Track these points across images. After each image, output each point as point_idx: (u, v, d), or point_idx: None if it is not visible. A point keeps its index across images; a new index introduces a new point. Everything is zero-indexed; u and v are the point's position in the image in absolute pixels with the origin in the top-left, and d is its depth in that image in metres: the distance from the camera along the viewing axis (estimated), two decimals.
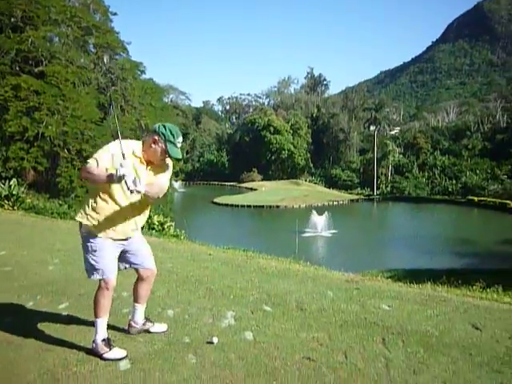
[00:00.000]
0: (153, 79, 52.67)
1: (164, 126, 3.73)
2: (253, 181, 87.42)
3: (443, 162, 78.98)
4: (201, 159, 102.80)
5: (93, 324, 3.89)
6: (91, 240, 3.74)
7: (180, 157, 3.76)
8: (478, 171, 71.90)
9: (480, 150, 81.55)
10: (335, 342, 4.15)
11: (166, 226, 15.16)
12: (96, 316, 3.80)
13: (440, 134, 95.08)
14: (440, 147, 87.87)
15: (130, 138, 3.91)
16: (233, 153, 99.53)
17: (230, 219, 55.10)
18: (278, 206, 62.11)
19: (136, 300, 4.16)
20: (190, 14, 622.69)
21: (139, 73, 43.60)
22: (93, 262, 3.76)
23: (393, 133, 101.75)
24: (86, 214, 3.71)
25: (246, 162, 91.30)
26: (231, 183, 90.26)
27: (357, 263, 25.22)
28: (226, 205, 63.34)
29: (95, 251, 3.75)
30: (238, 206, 62.27)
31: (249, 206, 61.65)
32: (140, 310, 4.18)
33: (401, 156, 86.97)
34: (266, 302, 5.18)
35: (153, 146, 3.70)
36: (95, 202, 3.70)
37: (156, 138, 3.67)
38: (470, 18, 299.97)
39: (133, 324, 4.18)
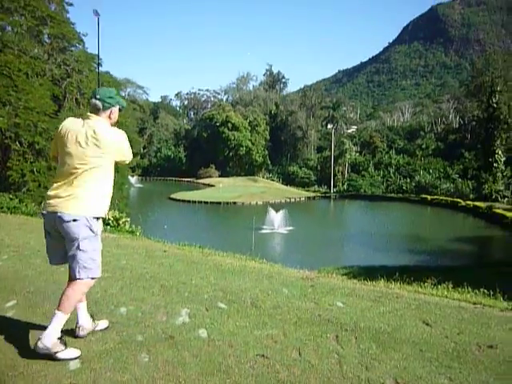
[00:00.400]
0: (110, 72, 51.89)
1: (105, 97, 3.74)
2: (210, 177, 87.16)
3: (398, 161, 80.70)
4: (158, 154, 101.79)
5: (41, 322, 3.77)
6: (95, 232, 3.61)
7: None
8: (431, 170, 73.80)
9: (433, 149, 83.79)
10: (289, 340, 4.16)
11: (121, 222, 14.94)
12: (64, 311, 3.58)
13: (395, 134, 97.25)
14: (395, 146, 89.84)
15: None
16: (190, 148, 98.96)
17: (186, 215, 54.72)
18: (235, 203, 62.08)
19: None
20: (150, 7, 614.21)
21: (95, 65, 42.75)
22: (97, 258, 3.65)
23: (350, 131, 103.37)
24: (93, 205, 3.59)
25: (204, 158, 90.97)
26: (188, 179, 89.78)
27: (313, 260, 25.50)
28: (183, 201, 62.91)
29: (97, 245, 3.66)
30: (194, 202, 61.92)
31: (206, 203, 61.39)
32: (84, 309, 4.01)
33: (357, 154, 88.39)
34: (221, 300, 5.15)
35: (112, 116, 3.79)
36: (99, 186, 3.62)
37: (112, 109, 3.77)
38: (424, 21, 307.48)
39: (81, 326, 3.99)
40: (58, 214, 3.52)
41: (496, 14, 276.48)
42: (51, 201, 3.59)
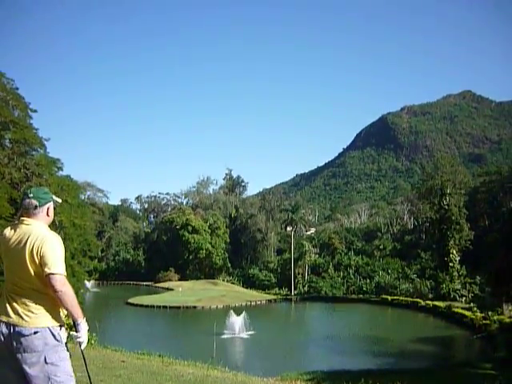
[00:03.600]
0: (70, 176, 52.10)
1: (44, 193, 3.68)
2: (170, 280, 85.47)
3: (357, 262, 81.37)
4: (116, 258, 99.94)
5: None
6: (63, 342, 3.45)
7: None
8: (389, 271, 74.50)
9: (390, 250, 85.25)
10: None
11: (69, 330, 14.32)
12: None
13: (353, 235, 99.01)
14: (354, 247, 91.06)
15: None
16: (150, 252, 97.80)
17: (144, 321, 52.88)
18: (194, 307, 60.56)
19: None
20: (109, 111, 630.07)
21: (56, 169, 43.02)
22: (69, 369, 3.47)
23: (309, 233, 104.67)
24: (52, 314, 3.42)
25: (163, 261, 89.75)
26: (147, 283, 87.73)
27: (276, 365, 24.81)
28: (141, 305, 60.96)
29: (65, 354, 3.47)
30: (153, 306, 60.07)
31: (165, 307, 59.64)
32: None
33: (317, 256, 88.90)
34: None
35: (50, 213, 3.68)
36: (48, 297, 3.42)
37: (48, 205, 3.66)
38: (376, 128, 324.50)
39: None
40: (16, 328, 3.34)
41: (440, 123, 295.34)
42: (5, 315, 3.40)
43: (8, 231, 3.60)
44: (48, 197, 3.67)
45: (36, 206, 3.58)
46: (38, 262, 3.35)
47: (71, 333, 3.51)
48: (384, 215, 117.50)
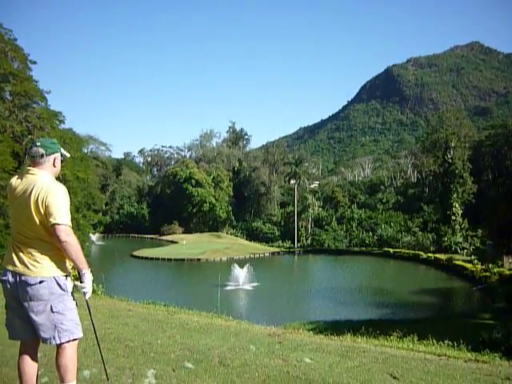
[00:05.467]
0: (72, 129, 51.84)
1: (52, 144, 3.66)
2: (174, 233, 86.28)
3: (360, 216, 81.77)
4: (120, 211, 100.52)
5: None
6: (69, 292, 3.48)
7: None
8: (392, 224, 74.95)
9: (393, 203, 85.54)
10: None
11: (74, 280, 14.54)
12: (71, 380, 3.49)
13: (357, 189, 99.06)
14: (357, 201, 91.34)
15: None
16: (153, 205, 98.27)
17: (149, 273, 53.68)
18: (198, 259, 61.36)
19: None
20: (112, 63, 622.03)
21: (58, 122, 42.74)
22: (75, 318, 3.52)
23: (312, 187, 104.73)
24: (58, 263, 3.44)
25: (167, 215, 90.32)
26: (151, 236, 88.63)
27: (278, 316, 25.28)
28: (146, 258, 61.81)
29: (71, 304, 3.51)
30: (158, 259, 60.91)
31: (169, 260, 60.47)
32: None
33: (320, 209, 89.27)
34: (188, 359, 5.06)
35: (56, 164, 3.65)
36: (54, 247, 3.42)
37: (55, 156, 3.63)
38: (381, 81, 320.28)
39: None
40: (23, 277, 3.36)
41: (446, 75, 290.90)
42: (11, 264, 3.44)
43: (14, 181, 3.59)
44: (55, 147, 3.64)
45: (42, 155, 3.54)
46: (43, 212, 3.35)
47: (76, 283, 3.54)
48: (388, 169, 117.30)
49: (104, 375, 4.16)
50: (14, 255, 3.46)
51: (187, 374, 4.61)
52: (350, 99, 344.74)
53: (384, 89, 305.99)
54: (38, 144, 3.58)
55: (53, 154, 3.61)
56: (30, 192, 3.40)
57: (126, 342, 5.64)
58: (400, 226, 73.75)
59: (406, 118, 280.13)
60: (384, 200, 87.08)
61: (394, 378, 4.72)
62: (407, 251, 63.42)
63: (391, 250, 65.18)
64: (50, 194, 3.37)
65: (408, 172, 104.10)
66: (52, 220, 3.33)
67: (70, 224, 3.42)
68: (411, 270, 54.95)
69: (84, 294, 3.56)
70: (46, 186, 3.41)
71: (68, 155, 3.81)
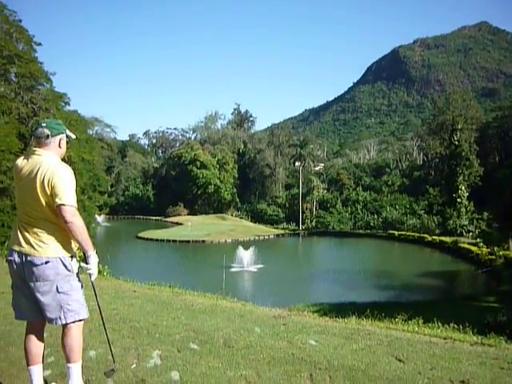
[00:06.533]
0: (77, 111, 51.74)
1: (57, 125, 3.63)
2: (179, 215, 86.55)
3: (365, 198, 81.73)
4: (126, 193, 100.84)
5: (7, 368, 3.62)
6: (74, 272, 3.48)
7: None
8: (397, 206, 74.91)
9: (399, 186, 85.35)
10: (263, 380, 4.11)
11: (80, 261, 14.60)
12: (76, 361, 3.51)
13: (362, 171, 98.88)
14: (362, 183, 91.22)
15: None
16: (159, 187, 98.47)
17: (155, 254, 54.00)
18: (203, 241, 61.61)
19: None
20: (117, 44, 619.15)
21: (63, 104, 42.69)
22: (81, 299, 3.53)
23: (317, 169, 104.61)
24: (63, 244, 3.43)
25: (172, 197, 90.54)
26: (157, 217, 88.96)
27: (283, 298, 25.39)
28: (151, 239, 62.12)
29: (76, 284, 3.51)
30: (163, 240, 61.21)
31: (174, 241, 60.75)
32: (39, 376, 3.63)
33: (325, 191, 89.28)
34: (193, 340, 5.07)
35: (62, 145, 3.63)
36: (60, 227, 3.41)
37: (61, 137, 3.61)
38: (387, 62, 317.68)
39: None
40: (28, 257, 3.36)
41: (454, 56, 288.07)
42: (17, 244, 3.44)
43: (20, 161, 3.57)
44: (61, 128, 3.62)
45: (48, 136, 3.52)
46: (49, 192, 3.34)
47: (81, 264, 3.53)
48: (393, 151, 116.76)
49: (110, 356, 4.17)
50: (20, 236, 3.45)
51: (192, 355, 4.62)
52: (355, 81, 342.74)
53: (390, 70, 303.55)
54: (44, 125, 3.55)
55: (58, 134, 3.59)
56: (36, 173, 3.38)
57: (131, 322, 5.66)
58: (405, 208, 73.69)
59: (413, 99, 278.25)
60: (389, 182, 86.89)
61: (400, 360, 4.71)
62: (412, 234, 63.41)
63: (396, 233, 65.19)
64: (55, 175, 3.35)
65: (414, 154, 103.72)
66: (58, 201, 3.31)
67: (76, 205, 3.40)
68: (416, 253, 54.98)
69: (89, 275, 3.56)
70: (51, 167, 3.40)
71: (73, 136, 3.77)
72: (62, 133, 3.62)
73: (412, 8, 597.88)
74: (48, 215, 3.40)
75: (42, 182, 3.34)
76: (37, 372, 3.54)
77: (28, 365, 3.54)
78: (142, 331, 5.34)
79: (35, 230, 3.41)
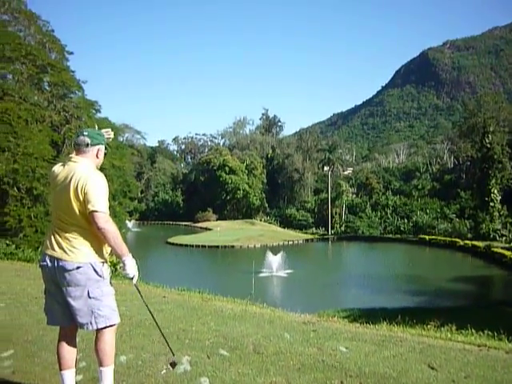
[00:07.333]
0: (108, 118, 52.49)
1: (98, 135, 3.70)
2: (208, 220, 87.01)
3: (395, 202, 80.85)
4: (155, 199, 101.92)
5: (40, 373, 3.67)
6: (105, 278, 3.49)
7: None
8: (428, 211, 73.84)
9: (429, 190, 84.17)
10: None
11: (118, 267, 14.78)
12: (109, 365, 3.53)
13: (391, 175, 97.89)
14: (391, 187, 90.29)
15: None
16: (188, 192, 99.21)
17: (184, 260, 54.35)
18: (232, 246, 61.79)
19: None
20: (148, 54, 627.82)
21: (94, 111, 43.42)
22: (112, 304, 3.53)
23: (346, 173, 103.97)
24: (95, 250, 3.45)
25: (201, 202, 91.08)
26: (186, 223, 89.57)
27: (312, 303, 25.24)
28: (181, 245, 62.57)
29: (108, 289, 3.52)
30: (192, 246, 61.59)
31: (203, 246, 61.08)
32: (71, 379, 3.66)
33: (354, 196, 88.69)
34: (223, 346, 5.07)
35: (99, 155, 3.68)
36: (92, 233, 3.43)
37: (99, 147, 3.66)
38: (416, 65, 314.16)
39: None
40: (60, 262, 3.40)
41: (485, 58, 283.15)
42: (50, 249, 3.47)
43: (57, 168, 3.64)
44: (101, 139, 3.69)
45: (88, 144, 3.58)
46: (82, 198, 3.37)
47: (121, 271, 3.55)
48: (423, 154, 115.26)
49: (168, 350, 4.17)
50: (53, 240, 3.49)
51: (222, 361, 4.62)
52: (384, 84, 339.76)
53: (419, 73, 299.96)
54: (85, 133, 3.62)
55: (97, 145, 3.65)
56: (70, 179, 3.43)
57: (161, 328, 5.67)
58: (436, 212, 72.61)
59: (442, 102, 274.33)
60: (419, 186, 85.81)
61: (432, 368, 4.62)
62: (443, 238, 62.37)
63: (427, 237, 64.22)
64: (89, 182, 3.39)
65: (444, 158, 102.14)
66: (90, 207, 3.34)
67: (108, 211, 3.44)
68: (448, 258, 54.05)
69: (131, 279, 3.55)
70: (85, 174, 3.44)
71: (107, 150, 3.83)
72: (102, 144, 3.69)
73: (441, 10, 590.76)
74: (80, 221, 3.42)
75: (76, 189, 3.38)
76: (69, 376, 3.57)
77: (60, 369, 3.56)
78: (172, 337, 5.36)
79: (67, 235, 3.44)
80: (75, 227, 3.44)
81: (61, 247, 3.43)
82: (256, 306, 7.97)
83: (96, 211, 3.33)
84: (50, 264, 3.45)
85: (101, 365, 3.52)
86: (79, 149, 3.59)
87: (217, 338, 5.35)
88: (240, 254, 56.77)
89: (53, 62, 38.04)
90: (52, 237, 3.52)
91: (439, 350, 5.20)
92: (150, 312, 3.84)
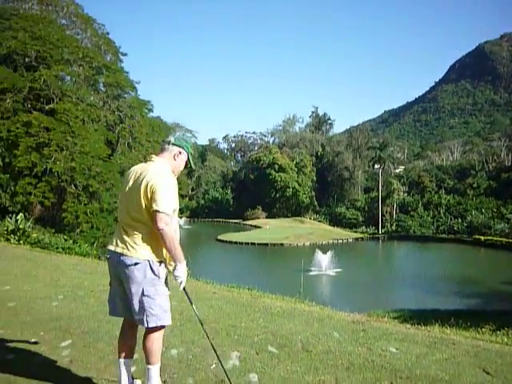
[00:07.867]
0: (160, 117, 53.55)
1: (184, 140, 3.79)
2: (257, 218, 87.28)
3: (448, 201, 78.81)
4: (206, 196, 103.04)
5: (96, 363, 3.79)
6: (159, 276, 3.54)
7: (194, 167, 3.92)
8: (483, 210, 71.59)
9: (485, 188, 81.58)
10: None
11: (169, 266, 15.03)
12: (155, 363, 3.60)
13: (444, 173, 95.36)
14: (445, 186, 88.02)
15: None
16: (237, 190, 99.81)
17: (234, 257, 54.77)
18: (282, 244, 61.78)
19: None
20: (198, 55, 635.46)
21: (147, 111, 44.39)
22: (163, 304, 3.54)
23: (397, 171, 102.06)
24: (154, 249, 3.52)
25: (251, 200, 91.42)
26: (235, 220, 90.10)
27: (362, 303, 24.95)
28: (230, 242, 63.07)
29: (162, 289, 3.57)
30: (242, 243, 61.95)
31: (253, 244, 61.34)
32: (126, 370, 3.74)
33: (405, 194, 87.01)
34: (272, 343, 5.10)
35: (177, 158, 3.74)
36: (155, 232, 3.46)
37: (180, 150, 3.73)
38: (471, 60, 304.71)
39: None
40: (121, 257, 3.49)
41: None
42: (114, 244, 3.58)
43: (137, 166, 3.75)
44: (185, 144, 3.76)
45: (169, 142, 3.70)
46: (149, 197, 3.44)
47: (172, 270, 3.60)
48: (478, 152, 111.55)
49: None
50: (118, 235, 3.60)
51: (270, 358, 4.65)
52: (437, 80, 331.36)
53: (475, 67, 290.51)
54: (175, 136, 3.79)
55: (179, 147, 3.73)
56: (144, 176, 3.51)
57: (211, 323, 5.76)
58: (492, 212, 70.29)
59: (500, 97, 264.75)
60: (474, 185, 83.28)
61: (487, 373, 4.49)
62: (500, 239, 60.30)
63: (482, 238, 62.25)
64: (158, 181, 3.46)
65: (501, 155, 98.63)
66: (154, 206, 3.40)
67: (172, 214, 3.49)
68: (504, 259, 52.22)
69: (179, 283, 3.60)
70: (157, 173, 3.52)
71: (194, 167, 3.92)
72: (183, 148, 3.75)
73: (497, 1, 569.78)
74: (146, 219, 3.49)
75: (146, 186, 3.45)
76: (126, 365, 3.67)
77: (119, 357, 3.67)
78: (222, 332, 5.43)
79: (132, 231, 3.52)
80: (141, 224, 3.52)
81: (124, 242, 3.52)
82: (305, 304, 7.95)
83: (158, 211, 3.39)
84: (113, 258, 3.57)
85: (148, 362, 3.59)
86: (162, 147, 3.73)
87: (265, 335, 5.39)
88: (289, 252, 56.71)
89: (108, 63, 39.25)
90: (118, 232, 3.63)
91: (495, 355, 5.05)
92: (196, 313, 3.87)
